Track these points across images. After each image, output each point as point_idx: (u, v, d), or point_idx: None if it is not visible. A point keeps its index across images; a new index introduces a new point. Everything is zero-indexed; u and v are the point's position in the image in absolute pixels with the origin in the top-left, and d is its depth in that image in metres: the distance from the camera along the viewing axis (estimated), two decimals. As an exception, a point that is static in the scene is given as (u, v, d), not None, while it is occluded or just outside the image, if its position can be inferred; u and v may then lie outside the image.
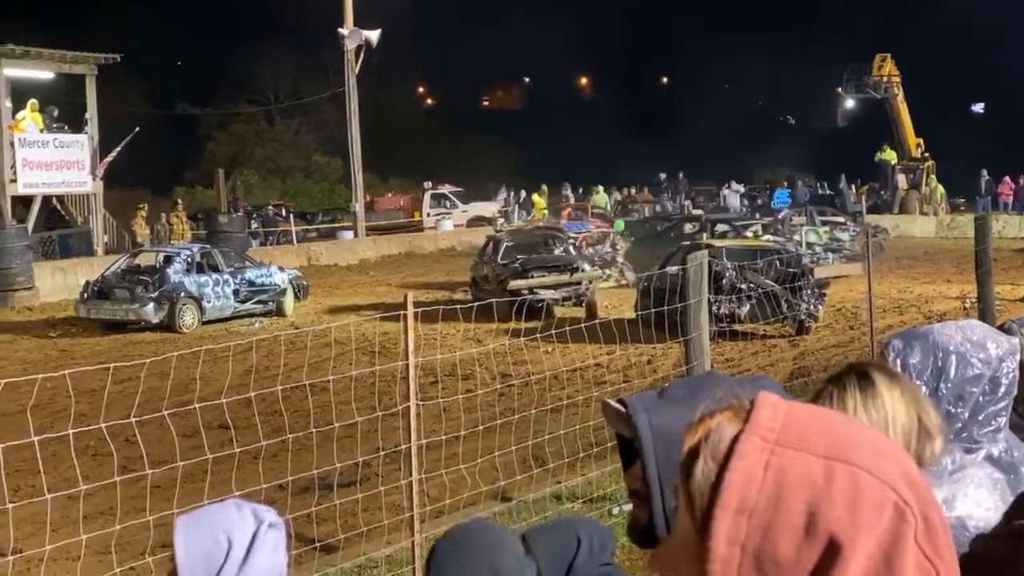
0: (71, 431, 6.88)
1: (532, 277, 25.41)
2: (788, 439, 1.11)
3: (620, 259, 32.53)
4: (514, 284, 24.67)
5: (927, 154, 55.29)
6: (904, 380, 2.34)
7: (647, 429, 1.87)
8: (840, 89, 62.40)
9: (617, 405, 1.95)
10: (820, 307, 21.75)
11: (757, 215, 42.53)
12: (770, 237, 30.93)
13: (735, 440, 1.12)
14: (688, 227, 34.86)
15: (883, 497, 1.07)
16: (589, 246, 33.66)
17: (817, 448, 1.10)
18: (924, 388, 2.53)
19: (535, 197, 54.74)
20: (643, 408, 1.90)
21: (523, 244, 28.00)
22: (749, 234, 31.20)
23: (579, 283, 25.81)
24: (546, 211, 52.52)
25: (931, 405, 2.31)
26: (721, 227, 33.07)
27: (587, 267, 26.99)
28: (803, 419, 1.14)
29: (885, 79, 57.76)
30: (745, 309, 21.06)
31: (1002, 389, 2.67)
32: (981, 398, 2.64)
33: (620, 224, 42.61)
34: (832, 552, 1.06)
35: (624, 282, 30.31)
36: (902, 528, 1.07)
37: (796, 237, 33.72)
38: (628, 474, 2.00)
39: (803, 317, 21.38)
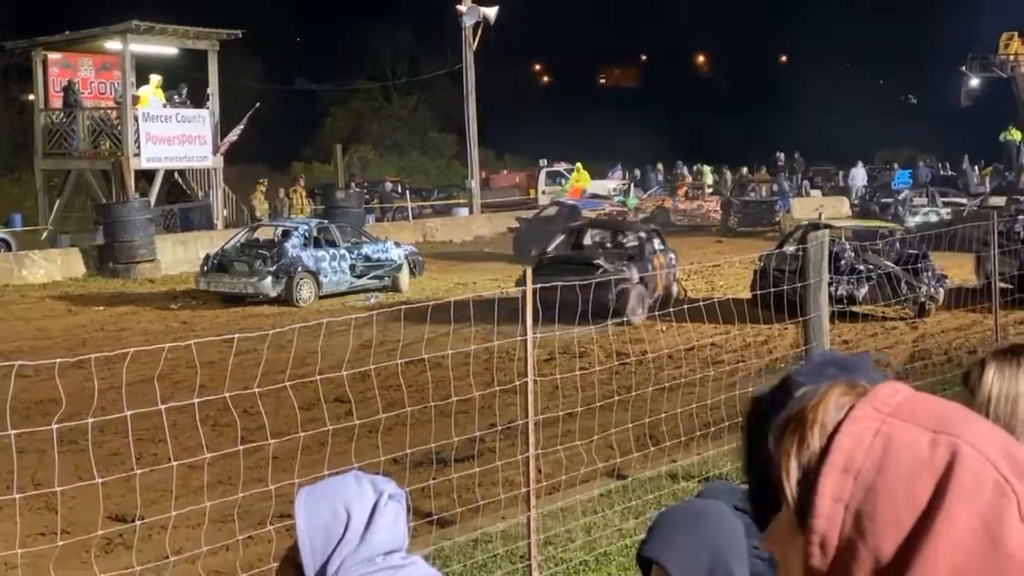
0: (196, 400, 6.98)
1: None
2: (901, 414, 1.16)
3: None
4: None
5: (1054, 135, 54.14)
6: None
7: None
8: (964, 68, 61.11)
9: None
10: (941, 289, 21.35)
11: (877, 195, 41.88)
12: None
13: (851, 408, 1.17)
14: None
15: (983, 472, 1.11)
16: None
17: (927, 423, 1.14)
18: None
19: (577, 169, 52.36)
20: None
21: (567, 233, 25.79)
22: None
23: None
24: (589, 184, 51.45)
25: None
26: None
27: (609, 266, 21.53)
28: (920, 400, 1.18)
29: (1012, 58, 56.54)
30: (864, 290, 20.78)
31: None
32: None
33: (632, 202, 44.61)
34: (929, 517, 1.09)
35: None
36: (1003, 503, 1.10)
37: (916, 218, 33.15)
38: None
39: (924, 299, 21.01)
